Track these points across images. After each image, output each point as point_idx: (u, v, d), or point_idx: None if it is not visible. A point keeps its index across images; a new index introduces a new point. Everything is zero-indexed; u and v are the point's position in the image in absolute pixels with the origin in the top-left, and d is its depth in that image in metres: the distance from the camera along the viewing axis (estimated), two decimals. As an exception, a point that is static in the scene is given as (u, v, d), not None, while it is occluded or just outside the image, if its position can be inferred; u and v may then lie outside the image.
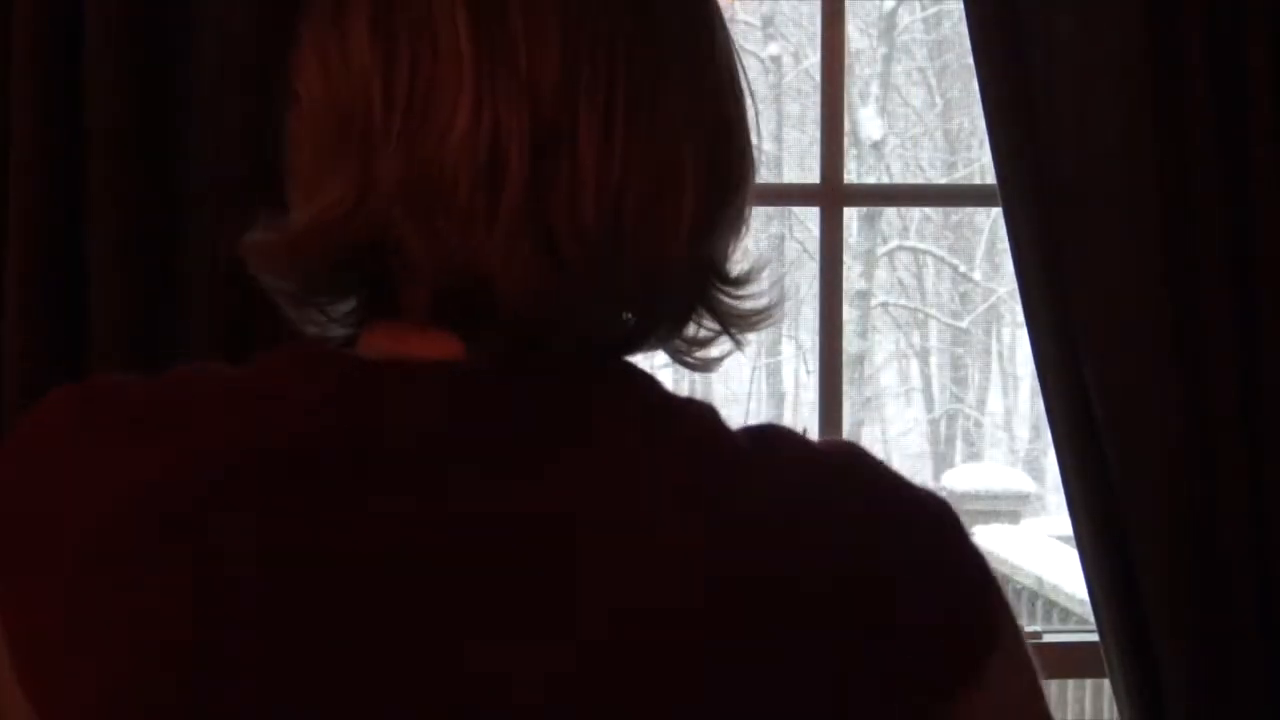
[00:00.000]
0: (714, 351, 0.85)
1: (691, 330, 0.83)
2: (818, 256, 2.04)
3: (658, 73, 0.78)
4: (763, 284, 0.83)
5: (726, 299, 0.82)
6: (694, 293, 0.81)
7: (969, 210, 10.29)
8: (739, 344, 0.85)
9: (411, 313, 0.78)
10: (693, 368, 0.85)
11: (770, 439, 0.79)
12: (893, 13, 10.66)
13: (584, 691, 0.71)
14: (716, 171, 0.80)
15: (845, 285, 2.04)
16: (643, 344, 0.82)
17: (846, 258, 3.56)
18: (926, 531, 0.79)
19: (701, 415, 0.79)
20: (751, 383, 10.95)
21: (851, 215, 10.07)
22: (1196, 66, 1.70)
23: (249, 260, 0.80)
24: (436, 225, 0.75)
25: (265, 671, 0.71)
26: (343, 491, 0.74)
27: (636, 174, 0.76)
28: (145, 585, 0.72)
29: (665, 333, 0.82)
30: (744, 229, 0.83)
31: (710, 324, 0.83)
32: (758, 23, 10.49)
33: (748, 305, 0.83)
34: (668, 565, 0.73)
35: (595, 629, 0.72)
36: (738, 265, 0.83)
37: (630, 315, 0.80)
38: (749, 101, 0.83)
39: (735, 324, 0.83)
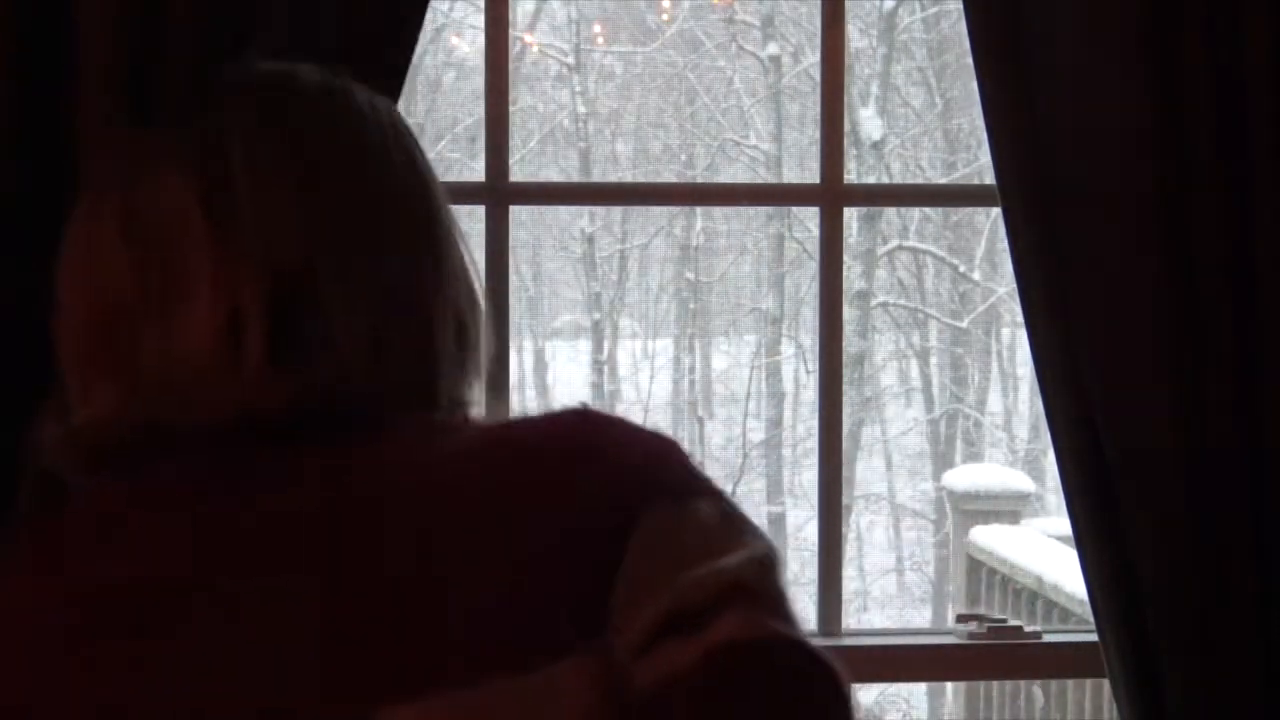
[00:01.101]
0: None
1: None
2: (818, 256, 2.04)
3: (382, 246, 0.95)
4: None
5: None
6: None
7: (969, 210, 10.28)
8: None
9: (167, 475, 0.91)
10: None
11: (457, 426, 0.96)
12: (893, 13, 10.65)
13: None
14: (462, 329, 0.98)
15: (845, 285, 2.04)
16: None
17: (846, 258, 3.56)
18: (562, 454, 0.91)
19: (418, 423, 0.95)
20: (751, 382, 10.93)
21: (851, 215, 10.06)
22: (1196, 66, 1.70)
23: (45, 450, 0.94)
24: (191, 398, 0.89)
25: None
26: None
27: (382, 324, 0.93)
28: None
29: None
30: (482, 378, 1.01)
31: None
32: (757, 23, 10.46)
33: None
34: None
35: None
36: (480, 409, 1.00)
37: None
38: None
39: None
